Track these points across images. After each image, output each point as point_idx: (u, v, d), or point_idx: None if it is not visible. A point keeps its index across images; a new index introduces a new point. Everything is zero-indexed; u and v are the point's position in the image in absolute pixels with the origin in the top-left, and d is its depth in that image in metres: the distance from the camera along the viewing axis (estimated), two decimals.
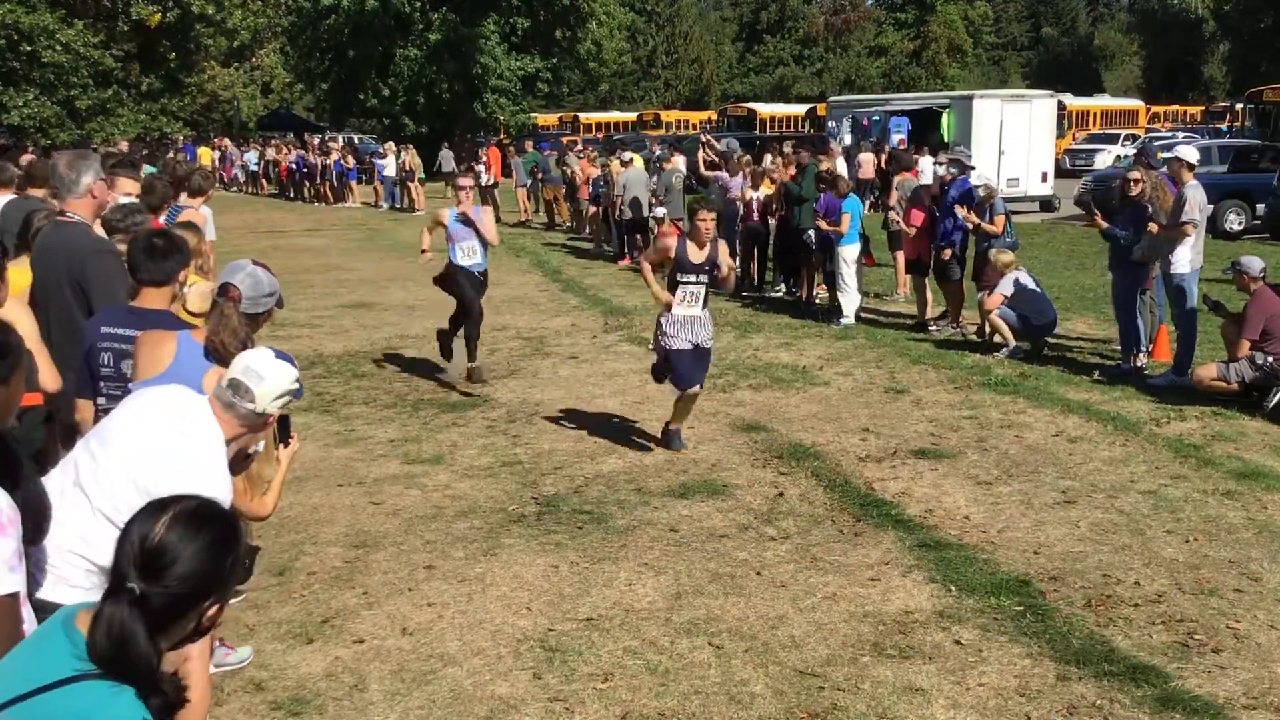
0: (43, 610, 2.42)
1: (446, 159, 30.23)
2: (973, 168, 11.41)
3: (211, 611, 2.02)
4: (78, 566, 2.77)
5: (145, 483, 2.77)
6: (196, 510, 2.02)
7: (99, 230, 5.31)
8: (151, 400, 3.04)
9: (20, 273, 4.57)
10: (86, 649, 1.87)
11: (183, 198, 8.22)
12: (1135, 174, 9.70)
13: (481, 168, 25.44)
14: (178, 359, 3.53)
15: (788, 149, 14.98)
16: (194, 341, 3.54)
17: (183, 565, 1.94)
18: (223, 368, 3.47)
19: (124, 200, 5.76)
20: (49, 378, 4.02)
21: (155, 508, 2.01)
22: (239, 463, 3.18)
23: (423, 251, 9.81)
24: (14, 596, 2.30)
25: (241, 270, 3.72)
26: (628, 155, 18.90)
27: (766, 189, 14.17)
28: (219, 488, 2.82)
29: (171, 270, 3.94)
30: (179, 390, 3.10)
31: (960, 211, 10.97)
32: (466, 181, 9.68)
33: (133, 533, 1.96)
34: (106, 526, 2.71)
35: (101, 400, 3.88)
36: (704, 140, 18.18)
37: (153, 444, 2.88)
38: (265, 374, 3.02)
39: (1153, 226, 9.15)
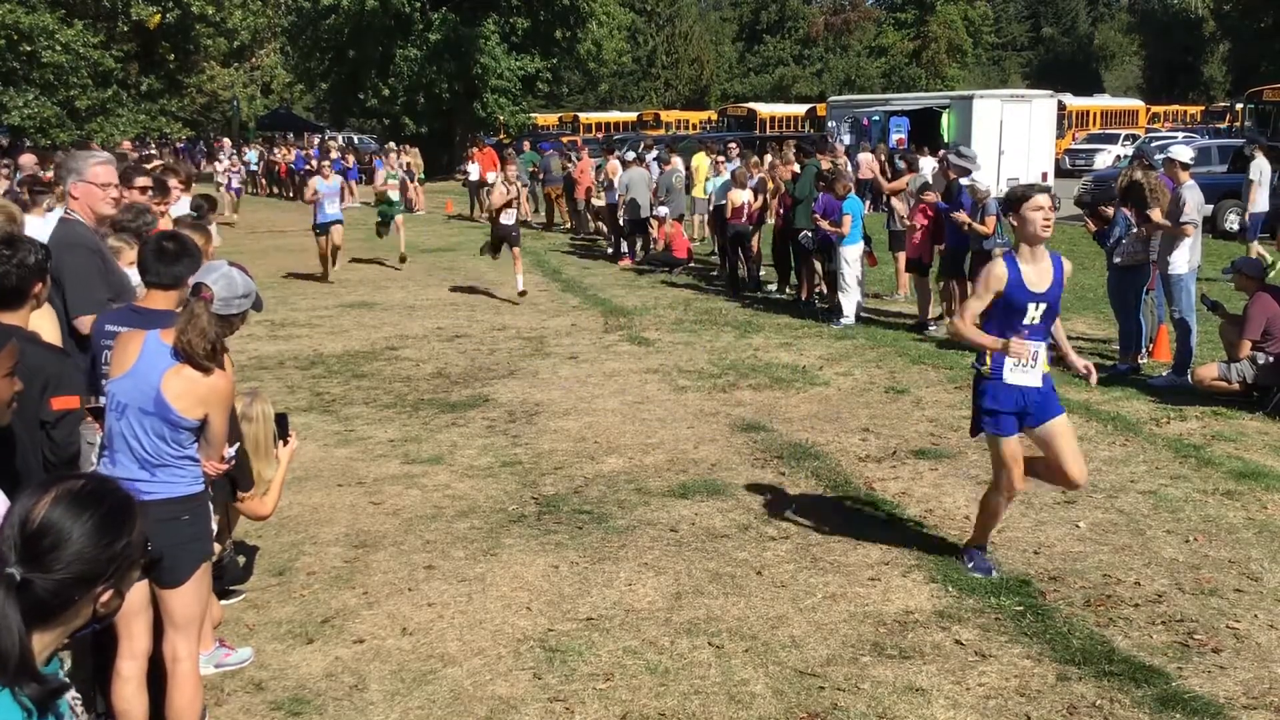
0: None
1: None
2: (968, 170, 11.34)
3: (106, 597, 1.85)
4: None
5: None
6: (83, 489, 1.85)
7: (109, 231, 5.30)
8: None
9: None
10: None
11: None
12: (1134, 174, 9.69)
13: (474, 168, 25.65)
14: (140, 357, 3.57)
15: (788, 150, 14.97)
16: (160, 341, 3.57)
17: (67, 548, 1.78)
18: (187, 366, 3.50)
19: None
20: None
21: (39, 487, 1.85)
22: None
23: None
24: None
25: (216, 271, 3.72)
26: (630, 155, 18.91)
27: (749, 195, 14.13)
28: None
29: (180, 274, 3.95)
30: None
31: (958, 216, 10.95)
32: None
33: (13, 514, 1.80)
34: None
35: (103, 398, 3.90)
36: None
37: None
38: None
39: (1156, 213, 9.11)
